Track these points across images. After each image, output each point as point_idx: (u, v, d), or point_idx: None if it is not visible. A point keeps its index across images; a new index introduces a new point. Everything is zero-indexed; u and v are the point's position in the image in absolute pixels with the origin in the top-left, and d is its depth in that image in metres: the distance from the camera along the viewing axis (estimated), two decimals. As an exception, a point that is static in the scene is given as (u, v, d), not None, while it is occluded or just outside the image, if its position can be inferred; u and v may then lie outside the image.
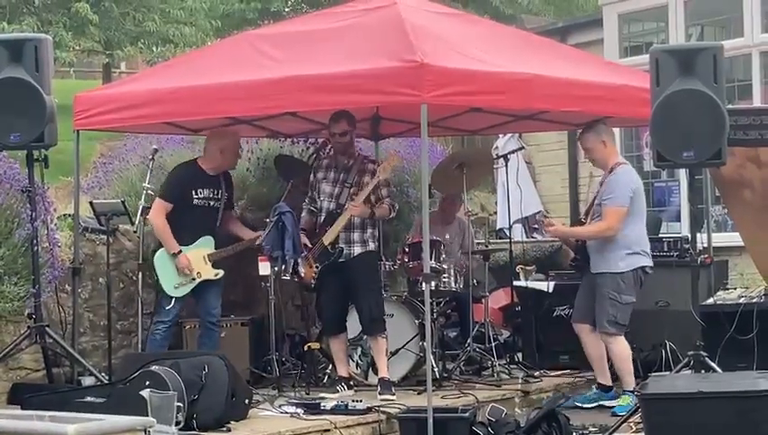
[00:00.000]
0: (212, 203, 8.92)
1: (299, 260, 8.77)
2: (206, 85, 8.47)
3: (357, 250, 8.70)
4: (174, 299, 8.73)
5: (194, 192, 8.83)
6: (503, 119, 10.01)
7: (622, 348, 8.48)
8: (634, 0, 12.41)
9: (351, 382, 8.82)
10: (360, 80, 7.78)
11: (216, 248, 8.94)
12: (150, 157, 9.04)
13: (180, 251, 8.69)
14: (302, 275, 8.83)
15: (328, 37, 8.58)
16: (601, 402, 8.64)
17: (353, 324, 8.94)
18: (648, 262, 8.59)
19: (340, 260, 8.69)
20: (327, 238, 8.67)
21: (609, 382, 8.68)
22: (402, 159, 9.50)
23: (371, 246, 8.80)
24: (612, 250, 8.43)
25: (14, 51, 8.25)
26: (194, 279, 8.80)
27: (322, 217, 8.81)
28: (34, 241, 8.29)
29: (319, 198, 8.84)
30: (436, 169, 10.02)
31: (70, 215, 9.46)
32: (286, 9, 24.85)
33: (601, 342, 8.53)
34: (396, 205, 8.92)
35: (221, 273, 8.91)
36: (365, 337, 8.99)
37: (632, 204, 8.45)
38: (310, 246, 8.76)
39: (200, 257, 8.81)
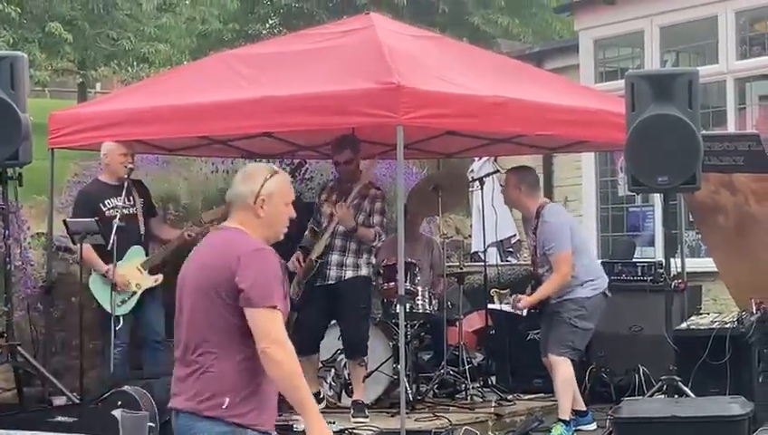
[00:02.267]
0: (127, 211, 8.65)
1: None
2: (181, 105, 8.46)
3: (349, 274, 8.67)
4: (121, 318, 8.51)
5: (102, 205, 8.65)
6: (478, 142, 10.03)
7: (569, 372, 8.36)
8: (610, 26, 12.47)
9: (324, 403, 8.77)
10: (337, 101, 7.79)
11: (147, 256, 8.81)
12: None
13: (111, 268, 8.40)
14: (292, 293, 8.79)
15: (305, 58, 8.58)
16: (579, 428, 8.60)
17: (327, 345, 8.91)
18: (606, 284, 8.60)
19: (330, 282, 8.66)
20: (315, 253, 8.64)
21: (583, 407, 8.65)
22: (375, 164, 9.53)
23: (364, 271, 8.73)
24: (572, 283, 8.39)
25: (-10, 68, 8.21)
26: (135, 292, 8.63)
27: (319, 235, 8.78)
28: (7, 259, 8.25)
29: (320, 218, 8.81)
30: (412, 191, 10.03)
31: (43, 233, 9.42)
32: (264, 31, 24.87)
33: (571, 369, 8.46)
34: (383, 235, 8.82)
35: (160, 277, 8.70)
36: (338, 359, 8.96)
37: (572, 240, 8.45)
38: (302, 264, 8.69)
39: (134, 269, 8.63)
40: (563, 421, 8.26)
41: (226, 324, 4.33)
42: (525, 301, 8.40)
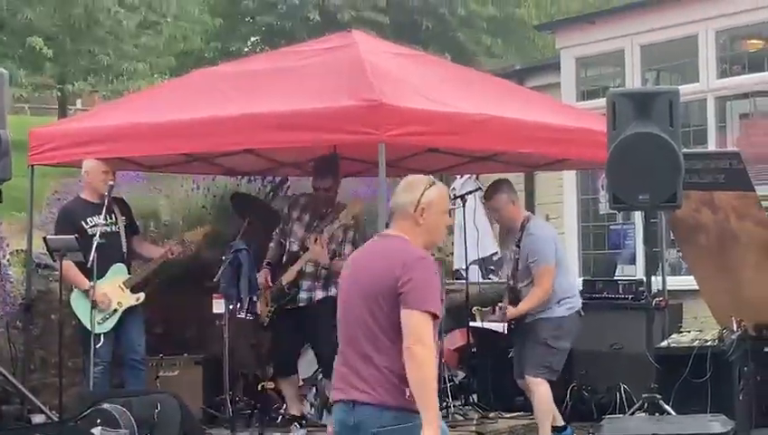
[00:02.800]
0: (109, 229, 8.60)
1: (254, 297, 8.71)
2: (162, 122, 8.45)
3: (319, 295, 8.68)
4: (102, 336, 8.44)
5: (84, 223, 8.59)
6: (460, 160, 10.04)
7: (547, 393, 8.28)
8: (591, 44, 12.51)
9: (305, 421, 8.75)
10: (319, 118, 7.78)
11: (129, 274, 8.77)
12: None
13: (92, 286, 8.33)
14: (259, 312, 8.78)
15: (287, 75, 8.58)
16: None
17: (307, 365, 8.88)
18: (580, 303, 8.59)
19: (301, 305, 8.64)
20: (285, 278, 8.63)
21: (562, 422, 8.62)
22: (363, 203, 9.46)
23: (333, 291, 8.69)
24: (549, 300, 8.34)
25: (-31, 85, 8.17)
26: (116, 310, 8.58)
27: (286, 258, 8.76)
28: (-14, 276, 8.20)
29: (289, 237, 8.79)
30: (393, 208, 10.00)
31: (23, 250, 9.37)
32: (246, 49, 24.90)
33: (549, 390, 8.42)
34: None
35: (142, 296, 8.67)
36: (319, 377, 8.93)
37: (555, 254, 8.42)
38: (270, 284, 8.70)
39: (116, 287, 8.58)
40: None
41: (394, 324, 4.64)
42: (512, 311, 8.31)
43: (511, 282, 8.44)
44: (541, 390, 8.23)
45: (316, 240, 8.48)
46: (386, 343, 4.68)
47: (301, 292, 8.66)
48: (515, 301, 8.33)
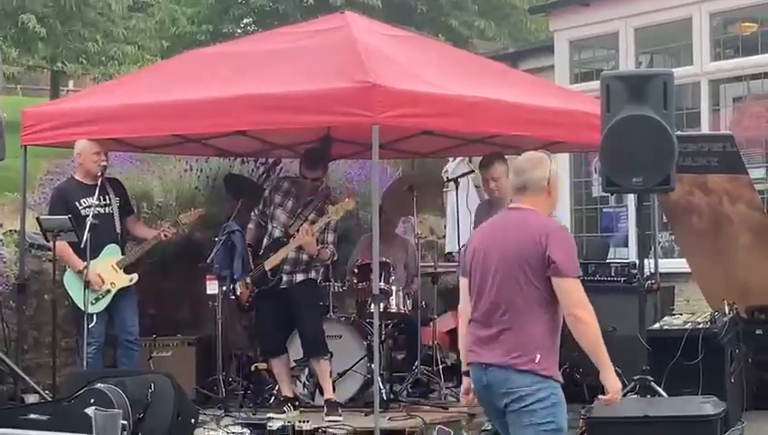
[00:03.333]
0: (102, 210, 8.60)
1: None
2: (155, 103, 8.44)
3: (299, 277, 8.71)
4: (95, 316, 8.44)
5: (77, 204, 8.59)
6: (453, 142, 10.03)
7: None
8: (585, 27, 12.50)
9: (297, 402, 8.77)
10: (312, 100, 7.77)
11: (123, 255, 8.77)
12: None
13: (85, 267, 8.32)
14: (239, 294, 8.79)
15: (280, 57, 8.57)
16: None
17: (299, 346, 8.90)
18: None
19: (282, 287, 8.67)
20: (269, 264, 8.64)
21: None
22: (357, 201, 9.46)
23: (313, 274, 8.80)
24: None
25: (-37, 64, 8.18)
26: (109, 290, 8.58)
27: (268, 242, 8.77)
28: (-21, 257, 8.20)
29: (271, 222, 8.79)
30: (387, 191, 10.03)
31: (16, 231, 9.37)
32: (238, 31, 24.81)
33: None
34: (336, 254, 8.91)
35: (135, 277, 8.69)
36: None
37: None
38: (251, 267, 8.72)
39: (109, 268, 8.59)
40: None
41: (533, 290, 5.08)
42: None
43: None
44: None
45: (307, 231, 8.48)
46: (523, 310, 5.09)
47: (282, 275, 8.67)
48: None
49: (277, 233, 8.73)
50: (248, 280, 8.73)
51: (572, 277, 5.10)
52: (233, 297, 8.93)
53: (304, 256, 8.68)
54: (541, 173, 5.30)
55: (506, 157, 8.68)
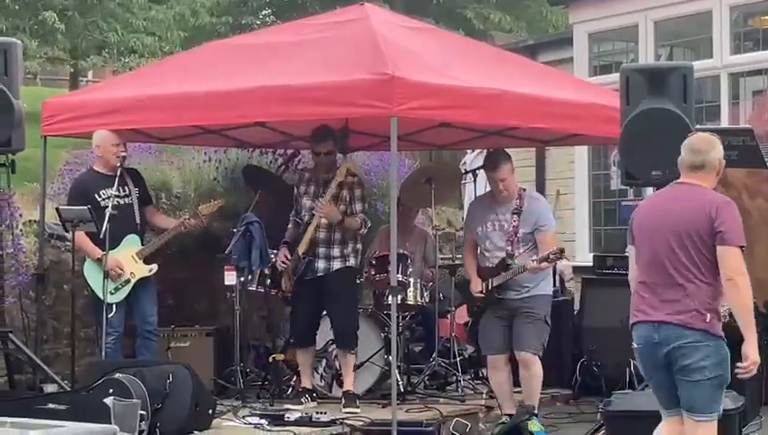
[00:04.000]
0: (122, 201, 8.61)
1: (266, 270, 8.75)
2: (174, 94, 8.45)
3: (336, 265, 8.65)
4: (115, 306, 8.45)
5: (97, 195, 8.59)
6: (471, 134, 10.02)
7: (541, 368, 8.30)
8: (604, 19, 12.47)
9: (315, 394, 8.79)
10: (331, 91, 7.78)
11: (142, 245, 8.78)
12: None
13: (104, 256, 8.31)
14: (284, 288, 8.79)
15: (299, 48, 8.57)
16: None
17: (318, 336, 8.91)
18: None
19: (319, 275, 8.65)
20: (300, 248, 8.64)
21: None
22: (354, 162, 9.48)
23: (351, 261, 8.72)
24: (544, 273, 8.26)
25: (-17, 55, 8.21)
26: (129, 280, 8.59)
27: (301, 231, 8.77)
28: (-1, 246, 8.24)
29: (300, 213, 8.80)
30: (404, 182, 10.03)
31: (35, 221, 9.39)
32: (257, 22, 24.84)
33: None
34: (368, 221, 8.84)
35: (155, 267, 8.69)
36: (330, 350, 8.97)
37: None
38: (289, 259, 8.70)
39: (129, 257, 8.59)
40: (536, 415, 8.27)
41: (702, 258, 5.67)
42: (534, 265, 8.00)
43: (510, 250, 8.26)
44: (536, 370, 8.25)
45: (320, 201, 8.47)
46: (693, 274, 5.67)
47: (318, 260, 8.63)
48: (500, 271, 8.25)
49: (305, 219, 8.72)
50: (289, 272, 8.70)
51: (735, 246, 5.62)
52: (273, 292, 8.95)
53: (337, 235, 8.62)
54: (716, 154, 5.90)
55: (527, 150, 8.68)
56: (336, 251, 8.65)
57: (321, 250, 8.62)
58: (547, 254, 8.01)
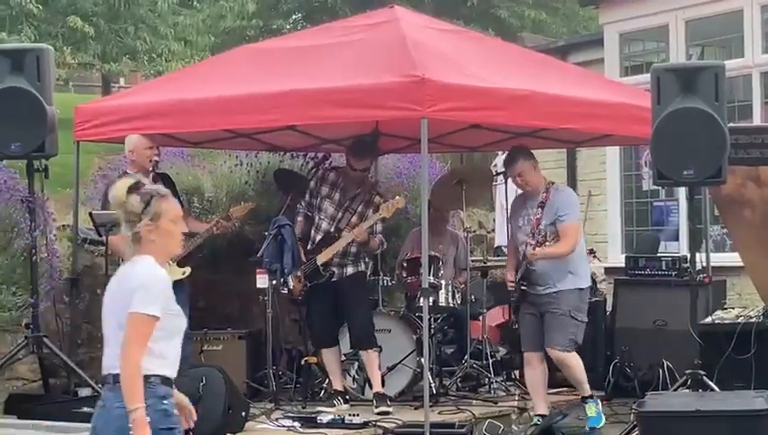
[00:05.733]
0: None
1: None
2: (206, 98, 8.47)
3: (349, 270, 8.83)
4: None
5: None
6: (502, 136, 10.00)
7: (578, 358, 8.30)
8: (635, 20, 12.42)
9: (347, 396, 8.81)
10: (361, 94, 7.79)
11: None
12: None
13: None
14: (291, 288, 8.84)
15: (329, 51, 8.59)
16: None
17: (349, 340, 8.94)
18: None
19: (333, 280, 8.77)
20: (321, 259, 8.71)
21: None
22: (406, 200, 9.50)
23: (362, 266, 8.92)
24: (573, 267, 8.25)
25: (16, 61, 8.28)
26: None
27: (319, 237, 8.83)
28: (33, 251, 8.29)
29: (318, 213, 8.84)
30: (435, 184, 10.03)
31: (69, 226, 9.45)
32: (287, 26, 24.89)
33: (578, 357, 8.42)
34: (385, 242, 9.02)
35: (188, 270, 8.71)
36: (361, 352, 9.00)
37: None
38: (303, 261, 8.77)
39: None
40: (590, 398, 8.30)
41: None
42: (541, 251, 8.01)
43: (531, 241, 8.21)
44: (573, 362, 8.26)
45: (360, 231, 8.63)
46: None
47: (332, 268, 8.78)
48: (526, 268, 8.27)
49: (325, 226, 8.79)
50: (300, 274, 8.77)
51: None
52: (284, 291, 8.98)
53: (353, 249, 8.77)
54: None
55: (558, 151, 8.67)
56: (350, 258, 8.82)
57: (337, 260, 8.76)
58: (536, 241, 8.07)
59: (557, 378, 9.51)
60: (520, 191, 8.71)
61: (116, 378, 4.48)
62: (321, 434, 7.71)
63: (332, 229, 8.79)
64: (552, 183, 8.53)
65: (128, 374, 4.40)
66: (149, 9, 21.96)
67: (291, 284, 8.82)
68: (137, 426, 4.34)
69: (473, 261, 10.23)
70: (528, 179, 8.35)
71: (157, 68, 21.64)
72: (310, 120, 8.55)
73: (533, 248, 8.05)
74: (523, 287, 8.32)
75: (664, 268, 9.86)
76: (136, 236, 4.60)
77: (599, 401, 8.42)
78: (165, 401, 4.52)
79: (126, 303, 4.49)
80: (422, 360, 8.39)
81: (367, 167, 8.83)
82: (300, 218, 8.98)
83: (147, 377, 4.46)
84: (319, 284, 8.77)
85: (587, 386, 8.37)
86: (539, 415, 8.37)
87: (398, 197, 8.81)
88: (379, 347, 8.71)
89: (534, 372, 8.41)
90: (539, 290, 8.26)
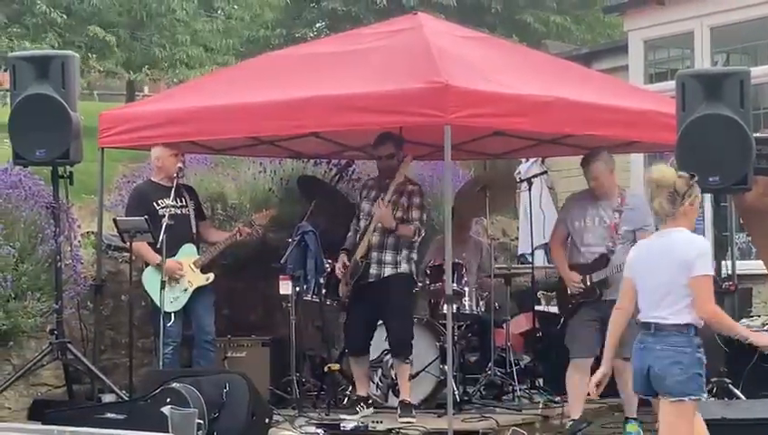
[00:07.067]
0: (179, 211, 8.70)
1: (321, 279, 8.76)
2: (229, 105, 8.50)
3: (387, 271, 8.62)
4: (173, 315, 8.53)
5: (155, 204, 8.68)
6: (525, 143, 9.99)
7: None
8: (660, 26, 12.38)
9: (371, 401, 8.79)
10: (385, 100, 7.79)
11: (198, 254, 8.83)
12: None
13: (162, 262, 8.38)
14: (341, 294, 8.79)
15: (352, 58, 8.60)
16: None
17: (373, 347, 8.91)
18: None
19: (370, 281, 8.64)
20: (358, 253, 8.64)
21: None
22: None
23: (404, 267, 8.66)
24: None
25: (41, 68, 8.34)
26: (186, 289, 8.66)
27: (358, 236, 8.78)
28: (58, 257, 8.33)
29: (360, 218, 8.80)
30: (459, 192, 10.01)
31: (93, 232, 9.48)
32: (311, 35, 24.92)
33: None
34: (423, 231, 8.73)
35: (212, 276, 8.76)
36: (385, 359, 8.96)
37: None
38: (347, 265, 8.70)
39: (186, 266, 8.68)
40: (634, 419, 8.18)
41: None
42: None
43: (608, 245, 8.21)
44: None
45: (380, 203, 8.47)
46: None
47: (371, 266, 8.62)
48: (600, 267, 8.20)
49: (363, 223, 8.73)
50: (347, 278, 8.69)
51: None
52: (308, 297, 8.96)
53: (390, 240, 8.60)
54: None
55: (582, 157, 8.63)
56: (388, 257, 8.62)
57: (374, 254, 8.61)
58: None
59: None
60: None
61: (657, 326, 5.90)
62: (345, 441, 7.70)
63: (368, 223, 8.72)
64: (624, 189, 8.56)
65: (716, 320, 5.91)
66: (176, 18, 21.98)
67: (341, 291, 8.77)
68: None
69: (497, 268, 10.20)
70: (602, 183, 8.36)
71: (179, 76, 21.68)
72: (334, 127, 8.55)
73: None
74: (599, 292, 8.21)
75: (689, 276, 9.77)
76: (678, 212, 5.77)
77: (641, 423, 8.26)
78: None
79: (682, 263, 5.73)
80: (445, 367, 8.37)
81: (391, 152, 8.62)
82: (349, 233, 8.89)
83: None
84: (359, 286, 8.68)
85: (635, 407, 8.21)
86: (574, 420, 8.29)
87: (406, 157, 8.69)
88: (410, 360, 8.63)
89: (584, 378, 8.24)
90: (615, 296, 8.19)
